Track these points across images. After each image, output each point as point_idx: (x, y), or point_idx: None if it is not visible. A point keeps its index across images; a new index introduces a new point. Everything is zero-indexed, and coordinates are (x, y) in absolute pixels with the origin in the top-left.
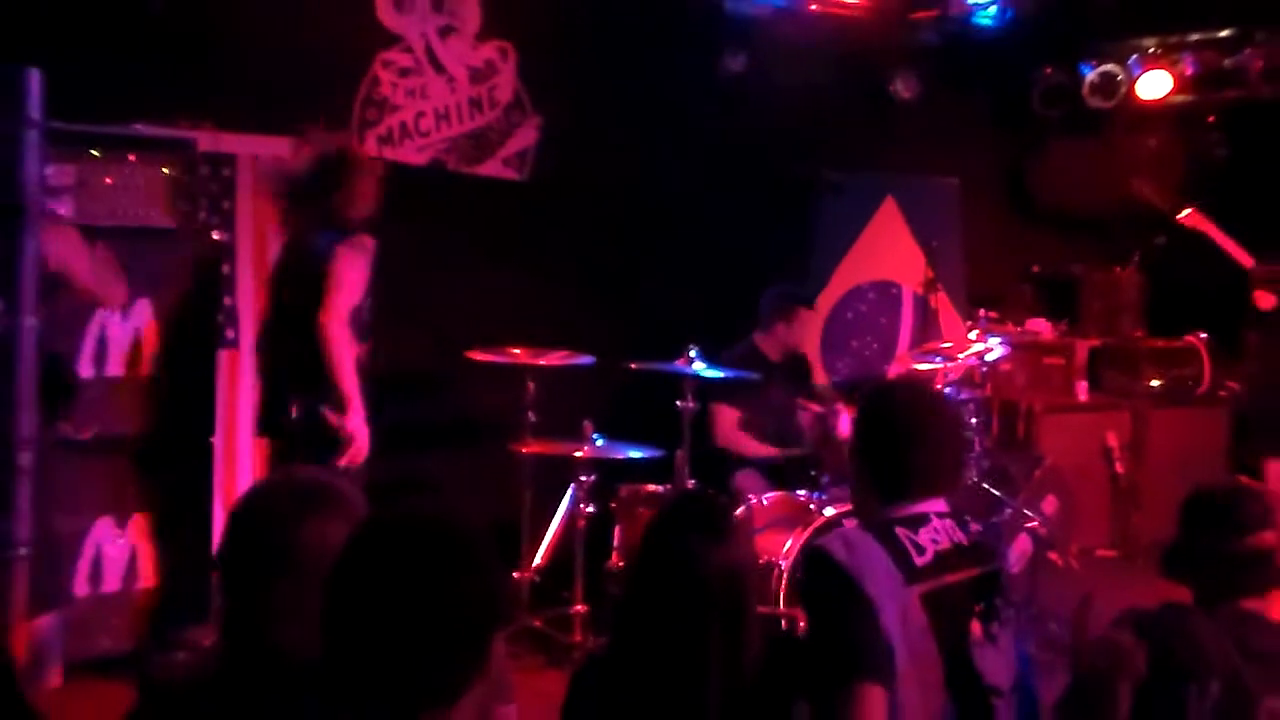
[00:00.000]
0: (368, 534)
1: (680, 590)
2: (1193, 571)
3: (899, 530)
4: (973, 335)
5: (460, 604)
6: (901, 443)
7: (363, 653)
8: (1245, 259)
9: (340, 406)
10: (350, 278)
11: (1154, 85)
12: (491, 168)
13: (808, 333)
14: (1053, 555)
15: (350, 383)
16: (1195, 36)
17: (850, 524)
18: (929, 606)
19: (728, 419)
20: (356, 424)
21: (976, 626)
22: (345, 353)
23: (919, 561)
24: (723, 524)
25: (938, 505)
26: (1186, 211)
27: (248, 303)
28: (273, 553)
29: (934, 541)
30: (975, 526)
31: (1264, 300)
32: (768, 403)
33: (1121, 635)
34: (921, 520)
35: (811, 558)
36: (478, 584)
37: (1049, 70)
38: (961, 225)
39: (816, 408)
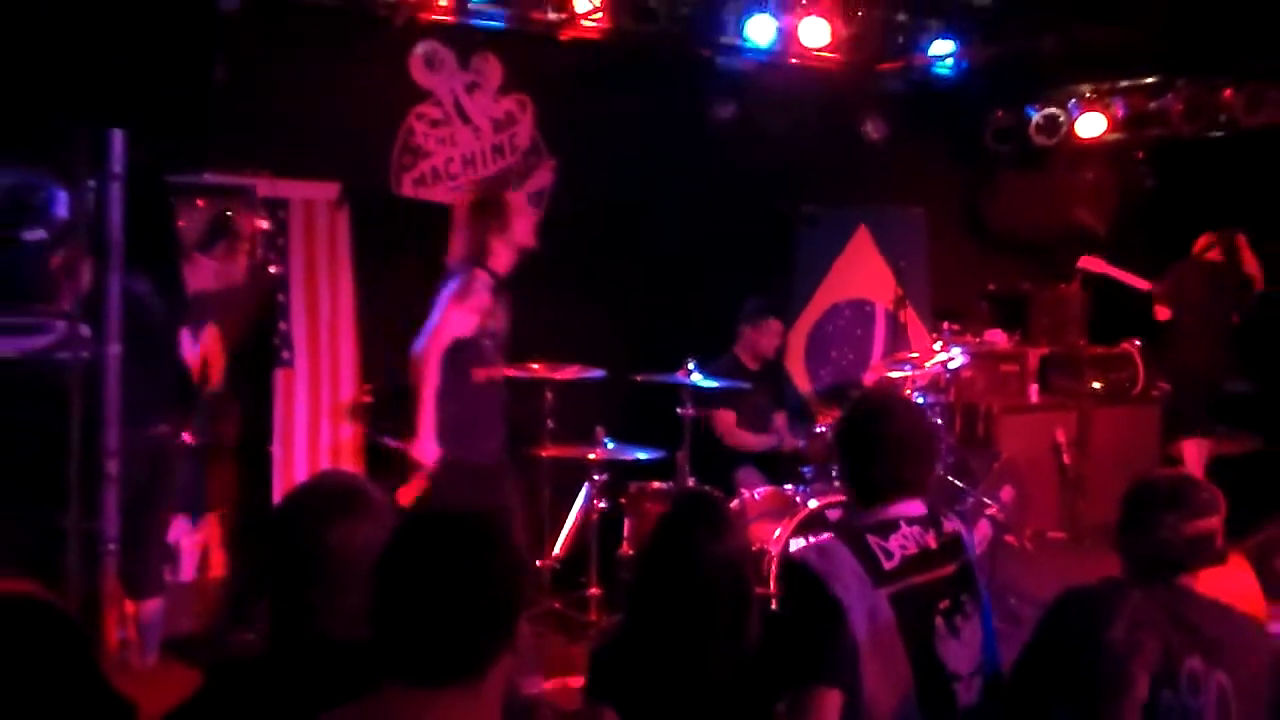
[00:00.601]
0: (411, 528)
1: (686, 577)
2: (1139, 550)
3: (870, 538)
4: (937, 346)
5: (488, 589)
6: (873, 452)
7: (404, 630)
8: (1141, 284)
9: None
10: (448, 313)
11: (1090, 125)
12: None
13: (788, 344)
14: (1010, 538)
15: (425, 404)
16: (1125, 83)
17: (835, 515)
18: (895, 606)
19: (727, 421)
20: (420, 439)
21: (940, 622)
22: (431, 378)
23: (887, 566)
24: (722, 520)
25: (912, 507)
26: (1082, 259)
27: (300, 327)
28: (306, 551)
29: (902, 547)
30: (950, 526)
31: (1161, 314)
32: (753, 406)
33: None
34: (892, 527)
35: (788, 566)
36: (504, 572)
37: (999, 112)
38: (926, 249)
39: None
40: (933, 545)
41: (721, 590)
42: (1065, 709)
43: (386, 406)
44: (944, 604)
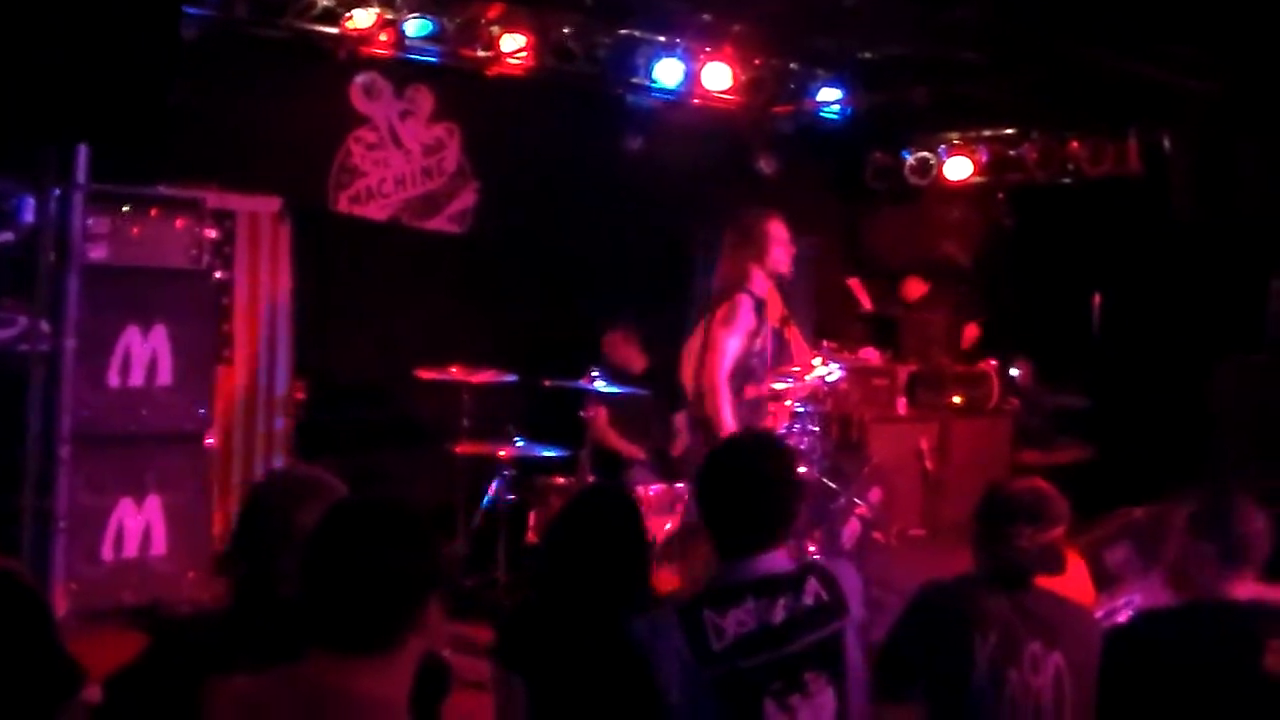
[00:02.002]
0: (335, 512)
1: (593, 556)
2: (995, 560)
3: (706, 613)
4: (817, 361)
5: (400, 571)
6: (730, 503)
7: (325, 602)
8: (867, 304)
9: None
10: (722, 338)
11: (958, 168)
12: (438, 223)
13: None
14: (877, 535)
15: (725, 423)
16: (988, 132)
17: None
18: (717, 689)
19: (600, 417)
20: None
21: (770, 705)
22: (724, 399)
23: (715, 647)
24: (626, 506)
25: (773, 563)
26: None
27: (241, 329)
28: (275, 531)
29: (739, 624)
30: (810, 596)
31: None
32: (637, 410)
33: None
34: (735, 598)
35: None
36: (416, 555)
37: (878, 154)
38: (810, 274)
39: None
40: (777, 620)
41: (623, 569)
42: (924, 688)
43: (319, 403)
44: (776, 685)
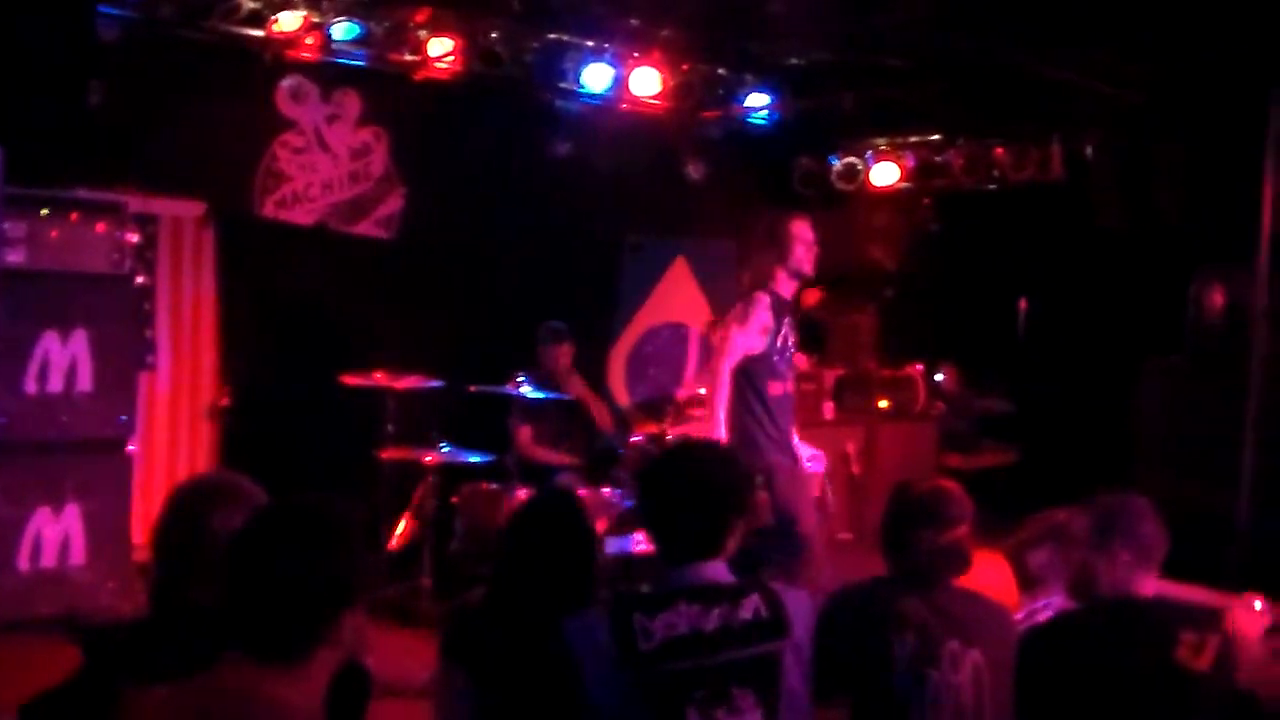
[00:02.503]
0: (256, 518)
1: (542, 556)
2: (903, 563)
3: (636, 615)
4: None
5: (316, 579)
6: (669, 511)
7: (239, 608)
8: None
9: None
10: (731, 333)
11: (884, 174)
12: (365, 227)
13: (610, 361)
14: None
15: (716, 413)
16: (914, 138)
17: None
18: (642, 692)
19: (524, 435)
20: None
21: (693, 714)
22: (721, 391)
23: (642, 647)
24: (576, 509)
25: (711, 573)
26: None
27: (164, 334)
28: (188, 536)
29: (669, 627)
30: (748, 610)
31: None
32: (562, 417)
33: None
34: (667, 603)
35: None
36: (333, 564)
37: (806, 159)
38: (738, 279)
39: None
40: (709, 628)
41: (574, 570)
42: (846, 692)
43: (244, 409)
44: (700, 693)
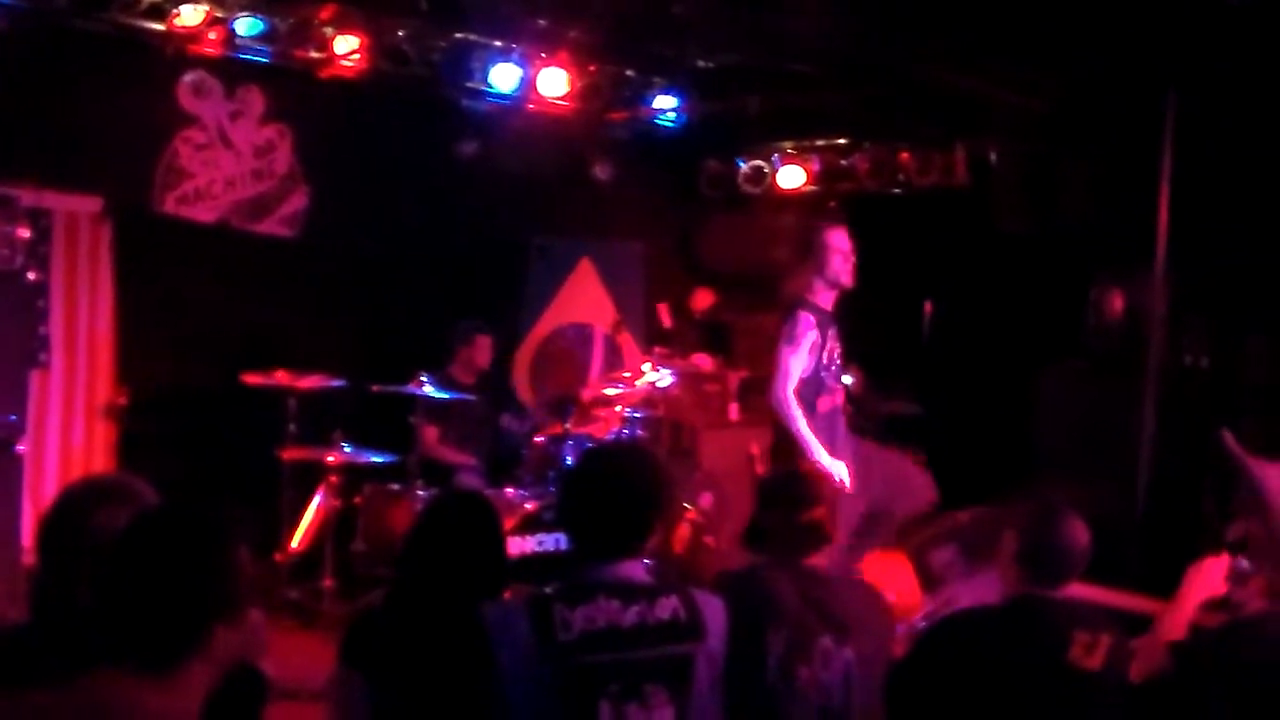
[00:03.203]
0: (134, 525)
1: (445, 561)
2: (767, 540)
3: (556, 606)
4: (647, 367)
5: (181, 591)
6: (589, 509)
7: (109, 616)
8: (667, 322)
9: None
10: (783, 356)
11: (791, 177)
12: (269, 226)
13: (515, 361)
14: (709, 539)
15: (802, 437)
16: (821, 142)
17: None
18: (556, 682)
19: (430, 436)
20: (820, 464)
21: (606, 708)
22: (794, 415)
23: (561, 638)
24: (482, 513)
25: (629, 571)
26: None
27: (59, 332)
28: (70, 537)
29: (588, 620)
30: (666, 609)
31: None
32: (463, 421)
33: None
34: (587, 595)
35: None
36: (201, 578)
37: (713, 162)
38: (643, 280)
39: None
40: (626, 624)
41: (478, 572)
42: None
43: (142, 409)
44: (614, 687)
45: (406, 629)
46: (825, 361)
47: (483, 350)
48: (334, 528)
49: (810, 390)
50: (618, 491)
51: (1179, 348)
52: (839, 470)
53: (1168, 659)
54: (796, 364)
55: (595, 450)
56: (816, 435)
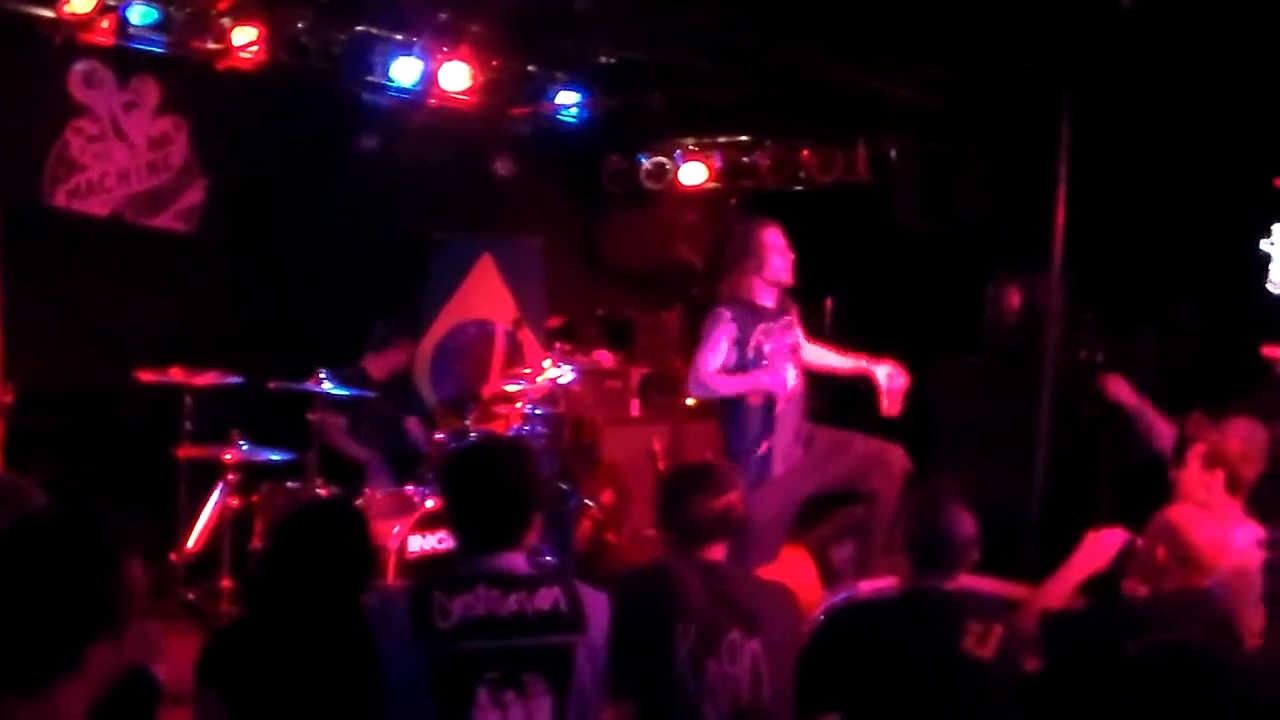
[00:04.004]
0: (10, 533)
1: (303, 576)
2: (677, 526)
3: (435, 594)
4: (547, 363)
5: (53, 609)
6: (469, 501)
7: None
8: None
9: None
10: (696, 354)
11: (692, 174)
12: (164, 220)
13: (416, 357)
14: (609, 536)
15: (731, 385)
16: (722, 139)
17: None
18: (434, 667)
19: (335, 426)
20: (762, 383)
21: (484, 693)
22: (712, 384)
23: (439, 626)
24: (343, 524)
25: (509, 563)
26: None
27: None
28: None
29: (467, 608)
30: (546, 599)
31: None
32: (374, 414)
33: None
34: (467, 585)
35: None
36: (72, 593)
37: (614, 158)
38: (544, 276)
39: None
40: (505, 613)
41: (339, 583)
42: (632, 683)
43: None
44: (492, 675)
45: (265, 644)
46: (753, 356)
47: (403, 353)
48: (231, 527)
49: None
50: (494, 485)
51: (1075, 343)
52: (782, 378)
53: (1035, 627)
54: (705, 359)
55: (470, 446)
56: (749, 425)
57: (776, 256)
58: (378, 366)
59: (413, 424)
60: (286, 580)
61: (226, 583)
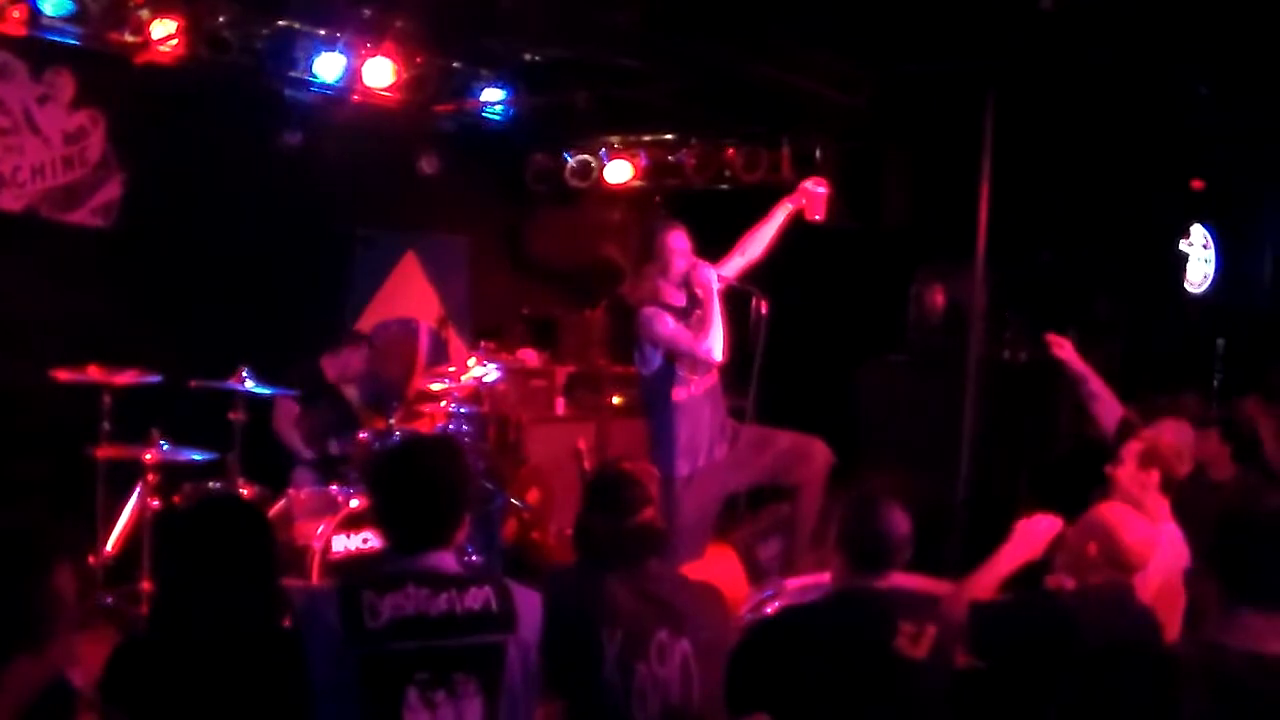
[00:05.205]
0: None
1: (206, 583)
2: (598, 544)
3: (364, 593)
4: (472, 362)
5: None
6: (398, 499)
7: None
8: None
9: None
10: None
11: (618, 172)
12: (81, 216)
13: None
14: (535, 535)
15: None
16: (647, 138)
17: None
18: (363, 666)
19: (287, 412)
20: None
21: (413, 692)
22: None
23: (369, 625)
24: (243, 526)
25: (439, 562)
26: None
27: None
28: None
29: (396, 608)
30: (477, 599)
31: None
32: (322, 413)
33: None
34: (397, 583)
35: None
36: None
37: (539, 156)
38: (469, 274)
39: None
40: (435, 613)
41: (242, 588)
42: (561, 686)
43: None
44: (422, 675)
45: (171, 655)
46: (673, 355)
47: (356, 356)
48: (151, 528)
49: (664, 383)
50: (425, 484)
51: (999, 342)
52: (714, 345)
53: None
54: (665, 330)
55: (399, 445)
56: (676, 425)
57: (679, 259)
58: (332, 366)
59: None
60: (181, 585)
61: (146, 585)
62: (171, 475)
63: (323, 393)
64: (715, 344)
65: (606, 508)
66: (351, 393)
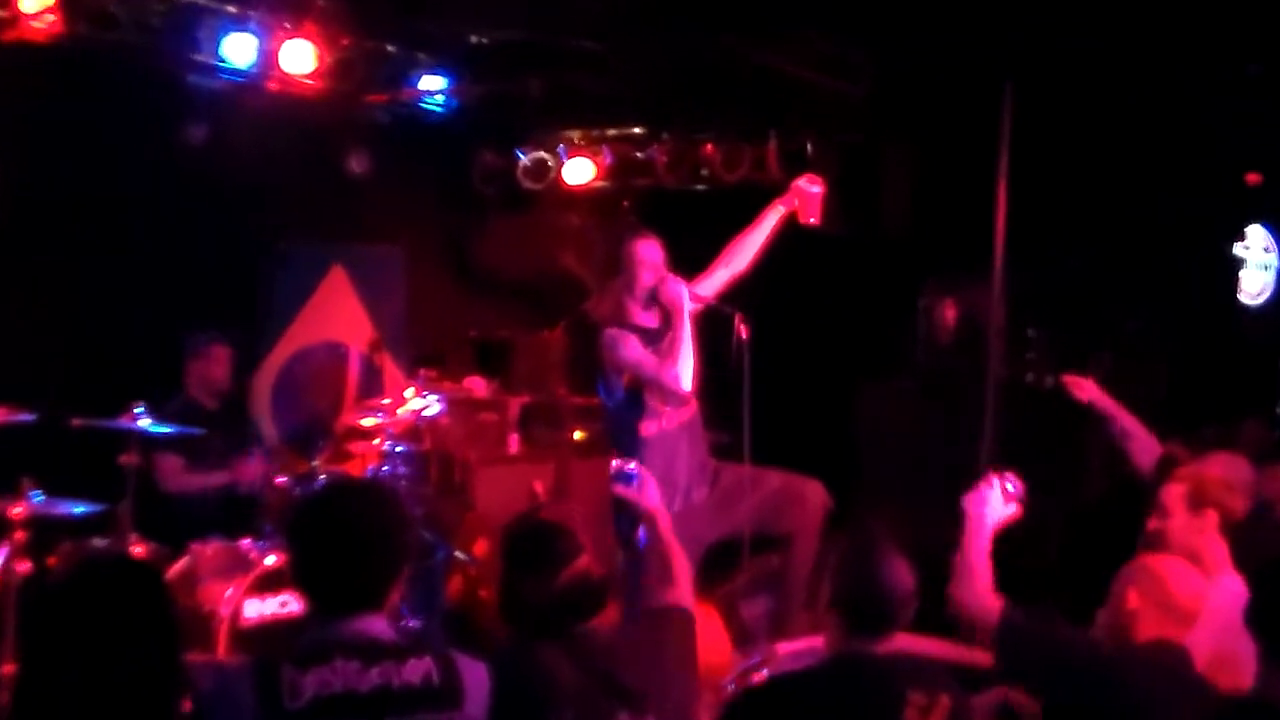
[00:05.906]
0: None
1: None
2: (522, 611)
3: (285, 669)
4: (410, 393)
5: None
6: (321, 557)
7: None
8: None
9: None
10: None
11: (578, 172)
12: None
13: (254, 387)
14: (484, 593)
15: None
16: (613, 132)
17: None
18: None
19: (171, 467)
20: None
21: None
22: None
23: (289, 706)
24: (133, 588)
25: (370, 627)
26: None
27: None
28: None
29: (322, 685)
30: (415, 672)
31: None
32: (208, 449)
33: None
34: (323, 657)
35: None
36: None
37: (487, 154)
38: (406, 290)
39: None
40: (365, 688)
41: (133, 678)
42: None
43: None
44: None
45: None
46: (643, 382)
47: (219, 364)
48: (18, 598)
49: (631, 416)
50: (350, 536)
51: (1020, 364)
52: (683, 372)
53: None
54: (632, 355)
55: (323, 490)
56: (647, 461)
57: (646, 272)
58: (199, 390)
59: (256, 458)
60: (52, 667)
61: (8, 669)
62: (46, 532)
63: (209, 428)
64: (684, 371)
65: (529, 567)
66: (268, 429)
